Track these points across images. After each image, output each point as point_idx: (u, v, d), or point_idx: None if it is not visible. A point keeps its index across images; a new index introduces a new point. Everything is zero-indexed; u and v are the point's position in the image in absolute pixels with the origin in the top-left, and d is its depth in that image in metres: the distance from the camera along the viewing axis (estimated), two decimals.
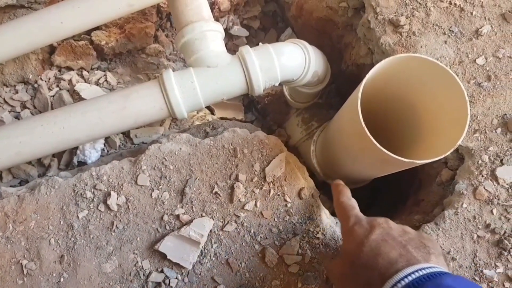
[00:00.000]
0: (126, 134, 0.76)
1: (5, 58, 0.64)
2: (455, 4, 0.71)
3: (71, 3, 0.64)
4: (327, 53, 0.81)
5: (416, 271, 0.40)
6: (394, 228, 0.48)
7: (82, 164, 0.73)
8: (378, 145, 0.49)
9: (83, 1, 0.64)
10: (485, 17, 0.71)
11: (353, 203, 0.55)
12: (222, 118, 0.91)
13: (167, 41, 0.90)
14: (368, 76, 0.54)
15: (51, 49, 0.79)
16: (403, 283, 0.39)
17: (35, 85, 0.77)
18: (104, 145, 0.74)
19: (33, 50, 0.67)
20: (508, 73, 0.67)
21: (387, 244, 0.44)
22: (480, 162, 0.63)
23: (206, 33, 0.68)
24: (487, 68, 0.68)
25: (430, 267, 0.40)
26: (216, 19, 0.94)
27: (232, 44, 0.99)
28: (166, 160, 0.63)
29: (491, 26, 0.70)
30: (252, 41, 1.02)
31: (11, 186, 0.72)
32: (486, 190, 0.62)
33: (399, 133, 0.69)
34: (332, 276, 0.53)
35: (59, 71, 0.80)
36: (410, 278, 0.39)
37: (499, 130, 0.65)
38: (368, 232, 0.47)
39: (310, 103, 0.90)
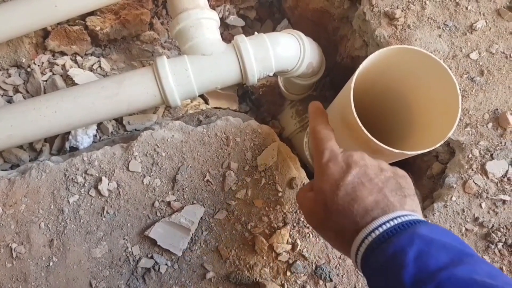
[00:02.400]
0: (119, 120, 0.76)
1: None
2: None
3: None
4: (323, 46, 0.81)
5: (391, 219, 0.38)
6: (371, 166, 0.45)
7: (74, 149, 0.72)
8: (369, 135, 0.50)
9: None
10: (480, 12, 0.71)
11: (330, 132, 0.50)
12: (216, 108, 0.91)
13: (162, 29, 0.89)
14: (361, 66, 0.54)
15: (45, 34, 0.78)
16: (377, 232, 0.38)
17: (28, 69, 0.77)
18: (97, 131, 0.74)
19: (27, 33, 0.67)
20: (501, 69, 0.68)
21: (363, 188, 0.42)
22: (470, 156, 0.64)
23: (202, 20, 0.67)
24: (480, 63, 0.68)
25: (405, 215, 0.39)
26: (212, 8, 0.94)
27: (227, 34, 0.99)
28: (158, 147, 0.63)
29: (486, 22, 0.70)
30: (248, 32, 1.02)
31: (1, 170, 0.72)
32: (475, 184, 0.62)
33: (391, 126, 0.69)
34: (300, 206, 0.50)
35: (53, 55, 0.79)
36: (384, 227, 0.38)
37: (490, 125, 0.65)
38: (344, 172, 0.43)
39: (305, 95, 0.90)
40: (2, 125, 0.61)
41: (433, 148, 0.51)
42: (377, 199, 0.41)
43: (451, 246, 0.36)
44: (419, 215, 0.41)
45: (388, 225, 0.38)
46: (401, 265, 0.35)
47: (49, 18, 0.63)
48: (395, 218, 0.39)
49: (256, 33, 0.76)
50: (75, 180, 0.60)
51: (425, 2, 0.70)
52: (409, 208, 0.41)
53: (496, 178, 0.62)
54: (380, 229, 0.38)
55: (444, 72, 0.55)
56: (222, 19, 0.96)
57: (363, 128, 0.50)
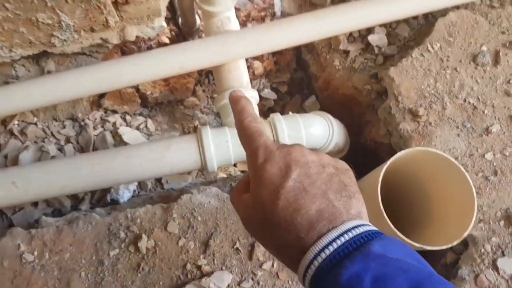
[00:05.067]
0: (158, 179, 0.82)
1: (67, 99, 0.72)
2: (469, 102, 0.79)
3: (131, 60, 0.73)
4: (347, 125, 0.88)
5: (340, 235, 0.35)
6: (312, 163, 0.39)
7: (114, 202, 0.78)
8: (394, 228, 0.55)
9: (143, 60, 0.73)
10: (495, 117, 0.78)
11: (260, 125, 0.42)
12: (243, 172, 0.98)
13: (203, 96, 0.98)
14: (388, 163, 0.60)
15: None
16: (327, 252, 0.34)
17: (82, 123, 0.85)
18: (137, 187, 0.80)
19: (92, 95, 0.75)
20: None
21: (306, 195, 0.37)
22: (482, 250, 0.68)
23: None
24: (494, 164, 0.74)
25: (355, 227, 0.35)
26: (250, 81, 1.03)
27: (260, 104, 1.07)
28: (195, 211, 0.68)
29: (500, 126, 0.77)
30: (278, 103, 1.11)
31: (44, 214, 0.77)
32: (487, 278, 0.66)
33: (409, 212, 0.74)
34: (236, 209, 0.44)
35: (105, 112, 0.88)
36: (335, 245, 0.34)
37: (502, 222, 0.70)
38: (284, 176, 0.38)
39: None
40: (59, 177, 0.68)
41: (449, 246, 0.56)
42: (320, 208, 0.36)
43: (408, 266, 0.33)
44: (365, 219, 0.38)
45: (338, 242, 0.34)
46: None
47: (114, 86, 0.72)
48: (344, 233, 0.35)
49: (290, 112, 0.84)
50: (118, 235, 0.65)
51: (446, 103, 0.78)
52: (355, 212, 0.37)
53: (506, 275, 0.66)
54: (331, 248, 0.34)
55: (462, 175, 0.61)
56: (257, 91, 1.06)
57: (389, 221, 0.55)
